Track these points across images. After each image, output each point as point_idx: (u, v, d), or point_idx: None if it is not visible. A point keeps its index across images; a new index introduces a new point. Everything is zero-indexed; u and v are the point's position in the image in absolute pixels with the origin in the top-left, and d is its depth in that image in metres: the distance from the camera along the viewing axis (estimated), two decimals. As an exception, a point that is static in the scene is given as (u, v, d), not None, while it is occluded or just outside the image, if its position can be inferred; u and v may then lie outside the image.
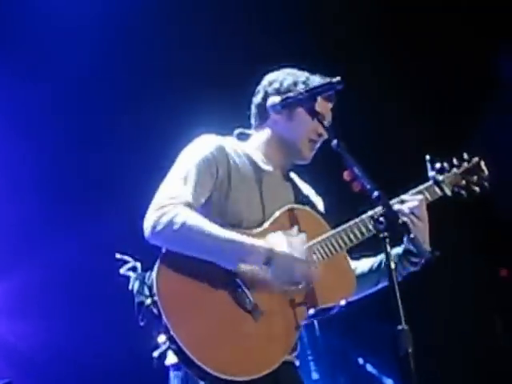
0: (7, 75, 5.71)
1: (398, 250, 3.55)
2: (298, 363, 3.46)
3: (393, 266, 2.98)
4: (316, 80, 3.54)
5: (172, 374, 3.36)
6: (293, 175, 3.70)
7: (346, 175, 3.35)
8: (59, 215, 5.82)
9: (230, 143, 3.54)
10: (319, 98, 3.46)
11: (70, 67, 5.77)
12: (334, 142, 3.18)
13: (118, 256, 3.34)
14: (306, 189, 3.71)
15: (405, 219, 3.41)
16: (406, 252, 3.52)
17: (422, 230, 3.49)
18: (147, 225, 3.26)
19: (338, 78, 3.32)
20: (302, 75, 3.59)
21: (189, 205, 3.29)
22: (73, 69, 5.76)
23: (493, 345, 7.07)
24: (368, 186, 3.10)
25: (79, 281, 5.80)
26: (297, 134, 3.53)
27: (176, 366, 3.33)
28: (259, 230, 3.39)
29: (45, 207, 5.81)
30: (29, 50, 5.78)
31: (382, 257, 3.55)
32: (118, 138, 5.88)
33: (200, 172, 3.36)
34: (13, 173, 5.79)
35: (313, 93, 3.35)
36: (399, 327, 2.94)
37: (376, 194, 3.07)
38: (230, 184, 3.41)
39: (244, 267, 3.25)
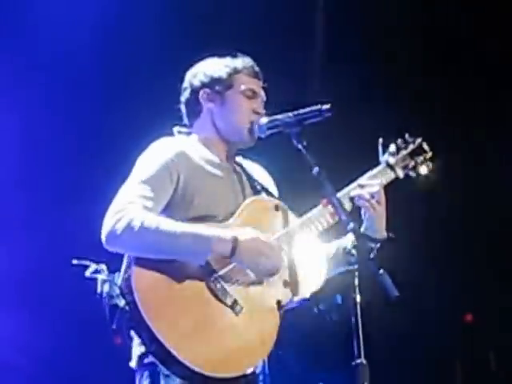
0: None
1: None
2: (257, 370, 3.38)
3: (358, 299, 2.98)
4: (238, 63, 3.51)
5: (138, 375, 3.27)
6: (238, 160, 3.63)
7: (324, 203, 3.37)
8: (34, 205, 5.77)
9: (188, 143, 3.47)
10: (244, 76, 3.47)
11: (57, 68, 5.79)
12: (316, 169, 3.18)
13: (74, 261, 3.24)
14: (256, 170, 3.66)
15: (366, 204, 3.43)
16: (365, 235, 3.48)
17: (380, 215, 3.47)
18: (105, 231, 3.18)
19: (328, 106, 3.31)
20: (224, 61, 3.53)
21: (146, 209, 3.22)
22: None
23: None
24: (344, 217, 3.13)
25: (49, 278, 5.71)
26: (234, 118, 3.47)
27: (143, 366, 3.25)
28: (224, 224, 3.33)
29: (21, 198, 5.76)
30: (19, 36, 5.79)
31: (346, 240, 3.49)
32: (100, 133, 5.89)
33: (159, 177, 3.30)
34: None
35: (300, 118, 3.33)
36: (357, 361, 2.95)
37: (351, 226, 3.08)
38: (193, 187, 3.34)
39: (212, 258, 3.19)
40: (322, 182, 3.18)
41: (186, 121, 3.60)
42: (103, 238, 3.19)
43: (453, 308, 6.92)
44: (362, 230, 3.49)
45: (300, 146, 3.26)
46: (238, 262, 3.21)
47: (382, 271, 2.97)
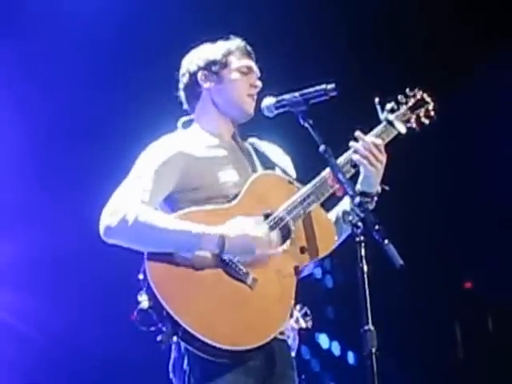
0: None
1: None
2: (290, 340, 3.48)
3: (365, 268, 3.01)
4: (230, 44, 3.54)
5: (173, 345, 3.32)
6: (252, 140, 3.66)
7: (331, 180, 3.40)
8: (49, 190, 5.82)
9: (187, 137, 3.50)
10: (237, 55, 3.51)
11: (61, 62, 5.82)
12: (322, 147, 3.20)
13: None
14: (271, 150, 3.66)
15: (365, 162, 3.42)
16: (362, 194, 3.49)
17: (378, 173, 3.46)
18: (101, 224, 3.22)
19: (333, 85, 3.32)
20: (217, 44, 3.58)
21: (143, 203, 3.26)
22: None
23: (452, 354, 7.14)
24: (350, 192, 3.15)
25: (69, 257, 5.80)
26: (232, 93, 3.51)
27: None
28: (232, 203, 3.36)
29: (32, 183, 5.82)
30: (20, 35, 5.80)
31: (341, 207, 3.54)
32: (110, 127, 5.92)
33: (157, 172, 3.33)
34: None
35: (306, 97, 3.34)
36: (365, 327, 2.97)
37: (357, 200, 3.10)
38: (196, 175, 3.37)
39: (199, 254, 3.21)
40: (328, 159, 3.21)
41: (186, 106, 3.61)
42: (100, 232, 3.24)
43: (452, 273, 6.95)
44: (357, 185, 3.48)
45: (307, 125, 3.27)
46: (228, 255, 3.23)
47: (386, 241, 2.98)
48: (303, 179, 3.54)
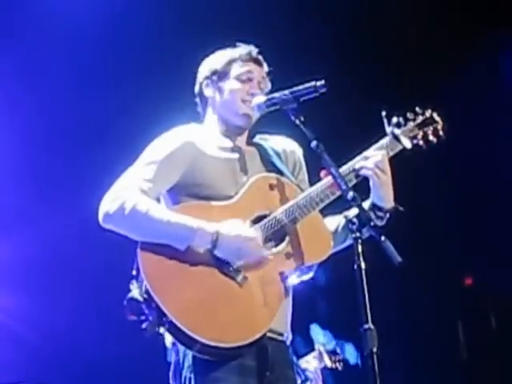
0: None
1: (365, 204, 3.40)
2: (289, 341, 3.38)
3: (363, 266, 2.92)
4: (235, 52, 3.53)
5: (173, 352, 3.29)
6: (260, 140, 3.64)
7: (323, 174, 3.33)
8: (46, 192, 5.79)
9: (197, 131, 3.51)
10: (239, 63, 3.50)
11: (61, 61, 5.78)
12: (314, 143, 3.15)
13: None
14: (279, 149, 3.63)
15: (369, 173, 3.37)
16: (372, 206, 3.44)
17: (384, 183, 3.40)
18: (100, 210, 3.25)
19: (322, 82, 3.27)
20: (224, 53, 3.58)
21: (143, 192, 3.27)
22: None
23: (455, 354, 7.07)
24: (344, 187, 3.09)
25: (64, 257, 5.76)
26: (229, 101, 3.49)
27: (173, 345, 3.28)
28: (230, 201, 3.34)
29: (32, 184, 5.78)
30: (21, 39, 5.77)
31: (347, 215, 3.36)
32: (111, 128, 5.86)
33: (164, 163, 3.34)
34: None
35: (296, 95, 3.30)
36: (365, 326, 2.88)
37: (351, 195, 3.04)
38: (200, 171, 3.36)
39: (193, 248, 3.20)
40: (320, 154, 3.14)
41: (199, 109, 3.64)
42: (99, 216, 3.26)
43: (453, 270, 6.88)
44: (369, 199, 3.43)
45: (298, 122, 3.22)
46: (219, 254, 3.20)
47: (383, 238, 2.91)
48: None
